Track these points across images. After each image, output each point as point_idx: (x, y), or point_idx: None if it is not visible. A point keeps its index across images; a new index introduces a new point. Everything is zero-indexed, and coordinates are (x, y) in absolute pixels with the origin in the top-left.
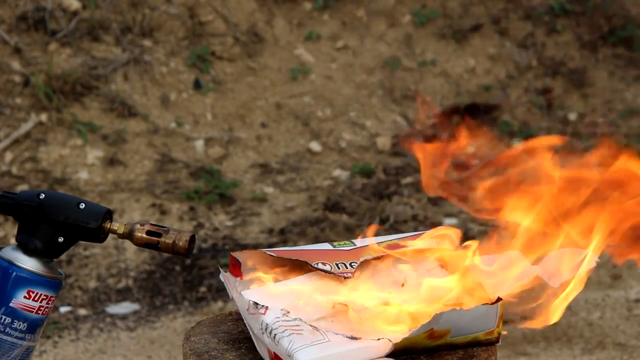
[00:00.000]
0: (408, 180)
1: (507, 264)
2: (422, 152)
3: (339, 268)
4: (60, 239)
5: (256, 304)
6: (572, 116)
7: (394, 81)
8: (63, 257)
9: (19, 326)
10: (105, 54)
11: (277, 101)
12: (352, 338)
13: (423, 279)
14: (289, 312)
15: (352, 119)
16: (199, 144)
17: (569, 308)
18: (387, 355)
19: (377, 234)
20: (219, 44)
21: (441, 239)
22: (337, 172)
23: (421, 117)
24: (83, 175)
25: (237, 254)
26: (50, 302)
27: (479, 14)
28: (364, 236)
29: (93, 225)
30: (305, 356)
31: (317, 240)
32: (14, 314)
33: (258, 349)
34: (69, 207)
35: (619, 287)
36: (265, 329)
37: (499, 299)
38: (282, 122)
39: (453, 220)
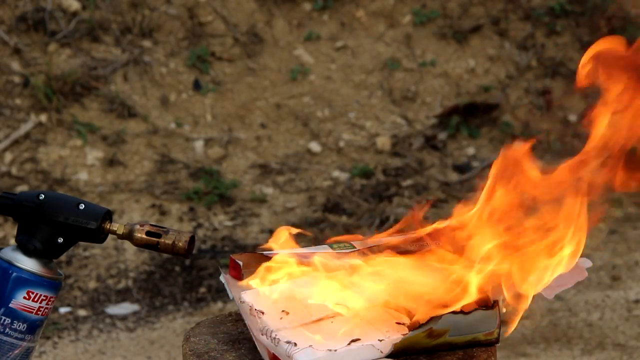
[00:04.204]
0: (408, 181)
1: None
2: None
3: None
4: (60, 240)
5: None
6: (573, 117)
7: (394, 82)
8: (63, 257)
9: (19, 327)
10: (105, 54)
11: (276, 102)
12: (352, 339)
13: (423, 279)
14: (288, 314)
15: (352, 120)
16: (199, 144)
17: (569, 309)
18: (387, 356)
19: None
20: (219, 44)
21: (440, 238)
22: (336, 173)
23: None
24: (83, 175)
25: (237, 256)
26: (49, 302)
27: (478, 15)
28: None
29: (93, 225)
30: (305, 357)
31: (316, 241)
32: (14, 315)
33: (259, 349)
34: (68, 208)
35: (619, 288)
36: (265, 331)
37: (495, 303)
38: (282, 123)
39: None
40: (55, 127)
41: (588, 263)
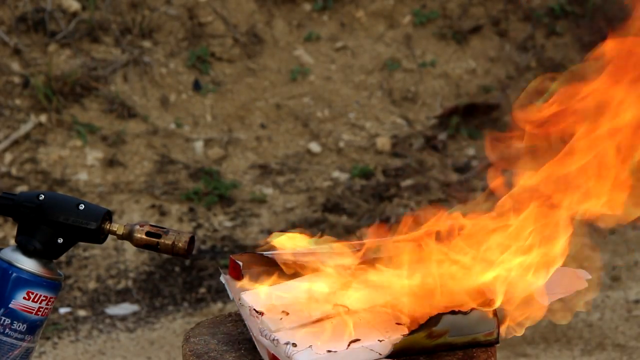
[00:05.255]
0: (408, 182)
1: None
2: None
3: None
4: (60, 240)
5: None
6: None
7: (394, 82)
8: (62, 258)
9: (19, 327)
10: (105, 55)
11: (276, 102)
12: (352, 339)
13: (422, 279)
14: (288, 314)
15: (352, 120)
16: (199, 145)
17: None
18: (387, 356)
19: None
20: (219, 45)
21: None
22: (336, 174)
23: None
24: (82, 176)
25: (236, 257)
26: (49, 303)
27: (478, 15)
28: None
29: (92, 226)
30: (304, 358)
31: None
32: (14, 315)
33: (258, 350)
34: (68, 208)
35: (619, 288)
36: (265, 331)
37: (493, 303)
38: (282, 123)
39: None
40: (55, 128)
41: (587, 275)
